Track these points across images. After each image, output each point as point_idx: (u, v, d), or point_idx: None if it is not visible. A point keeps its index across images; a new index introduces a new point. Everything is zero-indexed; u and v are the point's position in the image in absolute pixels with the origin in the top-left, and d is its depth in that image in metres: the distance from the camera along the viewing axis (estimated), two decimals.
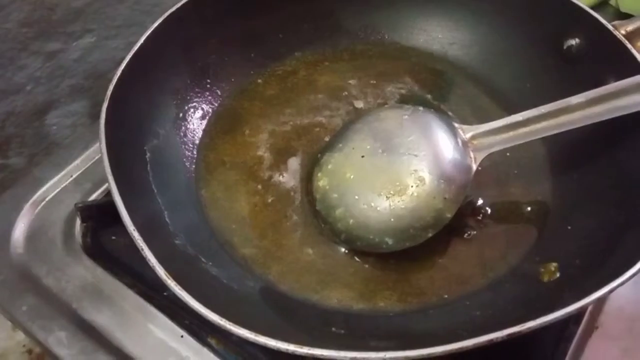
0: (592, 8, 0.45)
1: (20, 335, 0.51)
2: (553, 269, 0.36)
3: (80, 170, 0.49)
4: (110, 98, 0.39)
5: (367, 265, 0.39)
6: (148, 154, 0.41)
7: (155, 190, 0.39)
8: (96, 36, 0.59)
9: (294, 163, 0.45)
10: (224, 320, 0.29)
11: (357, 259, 0.40)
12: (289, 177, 0.44)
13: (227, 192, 0.43)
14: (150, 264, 0.31)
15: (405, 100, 0.49)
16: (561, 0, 0.45)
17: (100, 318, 0.40)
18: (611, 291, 0.29)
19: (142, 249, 0.31)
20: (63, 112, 0.61)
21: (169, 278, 0.30)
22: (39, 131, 0.60)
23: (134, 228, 0.32)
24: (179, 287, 0.30)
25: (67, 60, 0.58)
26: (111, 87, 0.39)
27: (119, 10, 0.59)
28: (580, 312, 0.39)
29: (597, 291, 0.29)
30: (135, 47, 0.42)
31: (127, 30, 0.61)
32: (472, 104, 0.49)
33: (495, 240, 0.40)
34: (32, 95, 0.56)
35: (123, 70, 0.40)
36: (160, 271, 0.30)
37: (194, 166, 0.44)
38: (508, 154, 0.44)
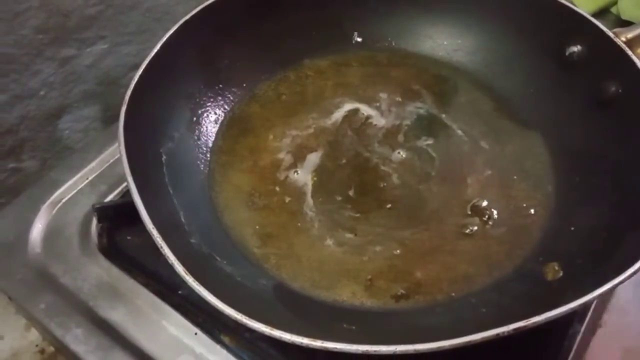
0: (594, 15, 0.46)
1: (33, 335, 0.52)
2: (557, 268, 0.37)
3: (96, 172, 0.50)
4: (128, 102, 0.40)
5: (376, 263, 0.40)
6: (164, 157, 0.42)
7: (171, 191, 0.40)
8: (109, 43, 0.59)
9: (304, 164, 0.46)
10: (240, 314, 0.30)
11: (365, 257, 0.41)
12: (300, 178, 0.45)
13: (240, 194, 0.44)
14: (169, 261, 0.32)
15: (412, 100, 0.50)
16: (563, 8, 0.46)
17: (116, 315, 0.41)
18: (613, 288, 0.30)
19: (162, 247, 0.32)
20: (76, 116, 0.61)
21: (187, 274, 0.31)
22: (52, 135, 0.61)
23: (152, 226, 0.33)
24: (197, 282, 0.31)
25: (80, 66, 0.58)
26: (129, 92, 0.40)
27: (131, 18, 0.60)
28: (584, 311, 0.40)
29: (599, 288, 0.30)
30: (152, 53, 0.43)
31: (139, 37, 0.62)
32: (477, 109, 0.50)
33: (500, 240, 0.41)
34: (46, 100, 0.57)
35: (140, 75, 0.42)
36: (179, 268, 0.31)
37: (207, 169, 0.46)
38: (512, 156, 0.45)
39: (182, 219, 0.39)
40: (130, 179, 0.35)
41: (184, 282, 0.31)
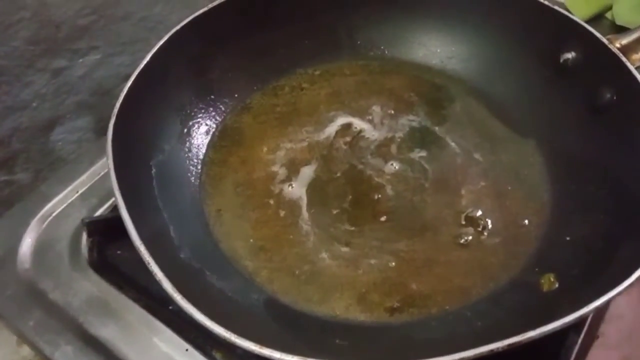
0: (588, 21, 0.45)
1: (25, 350, 0.51)
2: (552, 279, 0.37)
3: (86, 185, 0.50)
4: (117, 114, 0.39)
5: (370, 276, 0.40)
6: (154, 169, 0.42)
7: (161, 205, 0.40)
8: (101, 53, 0.59)
9: (298, 178, 0.46)
10: (229, 332, 0.29)
11: (359, 270, 0.40)
12: (294, 191, 0.45)
13: (231, 206, 0.44)
14: (157, 278, 0.31)
15: (405, 112, 0.50)
16: (557, 15, 0.46)
17: (106, 332, 0.40)
18: (609, 301, 0.30)
19: (149, 263, 0.32)
20: (68, 128, 0.61)
21: (175, 292, 0.30)
22: (45, 147, 0.60)
23: (140, 242, 0.32)
24: (185, 300, 0.30)
25: (72, 77, 0.58)
26: (118, 104, 0.40)
27: (123, 28, 0.60)
28: (580, 321, 0.39)
29: (595, 301, 0.30)
30: (141, 65, 0.43)
31: (132, 47, 0.62)
32: (471, 118, 0.49)
33: (495, 251, 0.41)
34: (38, 112, 0.57)
35: (129, 87, 0.41)
36: (167, 285, 0.31)
37: (198, 181, 0.45)
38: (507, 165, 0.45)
39: (172, 234, 0.38)
40: (118, 194, 0.35)
41: None
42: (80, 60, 0.58)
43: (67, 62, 0.57)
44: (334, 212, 0.43)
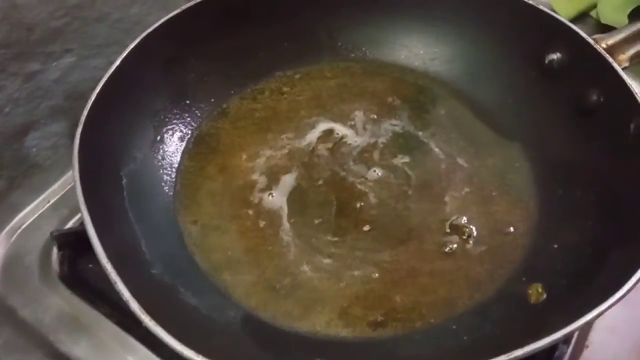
0: (573, 20, 0.45)
1: None
2: (540, 289, 0.36)
3: (58, 195, 0.48)
4: (84, 123, 0.38)
5: (353, 288, 0.39)
6: (124, 180, 0.40)
7: (132, 217, 0.38)
8: (76, 56, 0.57)
9: (279, 186, 0.44)
10: (200, 356, 0.27)
11: (342, 283, 0.39)
12: (275, 200, 0.43)
13: (207, 217, 0.42)
14: (124, 298, 0.30)
15: (388, 116, 0.49)
16: (542, 15, 0.45)
17: (78, 350, 0.39)
18: (598, 315, 0.29)
19: (116, 283, 0.30)
20: (43, 133, 0.59)
21: (143, 313, 0.29)
22: (19, 153, 0.58)
23: (107, 261, 0.31)
24: (153, 322, 0.29)
25: (46, 81, 0.56)
26: (85, 112, 0.38)
27: (99, 29, 0.58)
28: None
29: (585, 315, 0.29)
30: (112, 69, 0.41)
31: (107, 49, 0.60)
32: (455, 121, 0.48)
33: (481, 260, 0.40)
34: (11, 117, 0.54)
35: (98, 93, 0.40)
36: (134, 305, 0.29)
37: (172, 191, 0.43)
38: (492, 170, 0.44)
39: (144, 248, 0.37)
40: (83, 208, 0.33)
41: None
42: (54, 63, 0.56)
43: (41, 66, 0.55)
44: (316, 221, 0.42)
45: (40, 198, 0.48)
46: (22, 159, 0.59)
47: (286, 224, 0.42)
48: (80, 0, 0.54)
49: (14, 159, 0.58)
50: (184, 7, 0.46)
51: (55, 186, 0.49)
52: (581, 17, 0.62)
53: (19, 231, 0.46)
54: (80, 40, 0.56)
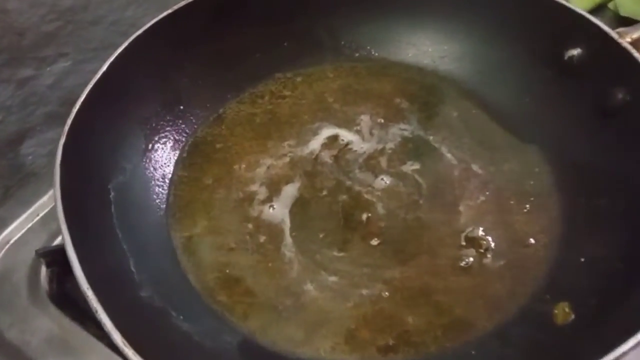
0: (590, 13, 0.42)
1: None
2: (567, 309, 0.33)
3: (47, 208, 0.47)
4: (67, 133, 0.36)
5: (361, 309, 0.36)
6: (112, 193, 0.38)
7: (120, 235, 0.36)
8: (71, 60, 0.56)
9: (280, 198, 0.42)
10: None
11: (349, 303, 0.36)
12: (276, 213, 0.41)
13: (203, 232, 0.40)
14: (106, 329, 0.27)
15: (395, 120, 0.46)
16: (560, 8, 0.42)
17: None
18: (639, 344, 0.26)
19: (96, 311, 0.28)
20: (39, 140, 0.59)
21: (126, 346, 0.26)
22: (14, 162, 0.58)
23: (87, 286, 0.28)
24: (137, 356, 0.26)
25: (40, 87, 0.55)
26: (69, 121, 0.36)
27: (94, 33, 0.57)
28: None
29: (623, 343, 0.26)
30: (98, 75, 0.39)
31: (103, 52, 0.59)
32: (467, 123, 0.46)
33: (501, 275, 0.37)
34: (5, 125, 0.53)
35: (83, 102, 0.38)
36: (117, 337, 0.27)
37: (165, 204, 0.41)
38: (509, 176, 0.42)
39: (132, 267, 0.35)
40: (64, 227, 0.31)
41: None
42: (48, 68, 0.56)
43: (34, 71, 0.54)
44: (320, 235, 0.40)
45: (30, 211, 0.47)
46: (17, 168, 0.59)
47: (288, 239, 0.40)
48: (73, 3, 0.54)
49: (9, 167, 0.58)
50: (175, 7, 0.44)
51: (45, 198, 0.48)
52: (598, 10, 0.60)
53: (7, 247, 0.45)
54: (75, 44, 0.55)
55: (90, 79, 0.57)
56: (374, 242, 0.39)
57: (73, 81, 0.58)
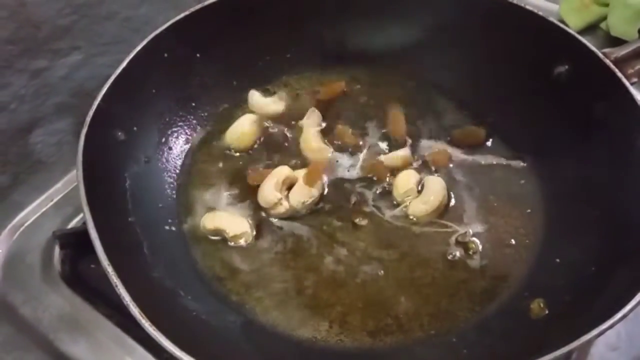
0: (582, 32, 0.43)
1: None
2: (542, 304, 0.35)
3: (62, 193, 0.48)
4: (89, 123, 0.37)
5: (354, 296, 0.38)
6: (128, 181, 0.40)
7: (135, 220, 0.38)
8: (83, 53, 0.57)
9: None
10: None
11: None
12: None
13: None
14: (124, 302, 0.30)
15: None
16: (550, 27, 0.44)
17: (77, 350, 0.39)
18: (600, 334, 0.28)
19: (116, 286, 0.30)
20: (48, 130, 0.59)
21: (143, 317, 0.29)
22: (24, 150, 0.58)
23: (108, 263, 0.31)
24: (153, 327, 0.28)
25: (53, 78, 0.56)
26: (91, 112, 0.38)
27: (107, 28, 0.58)
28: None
29: (586, 334, 0.29)
30: (119, 69, 0.41)
31: (115, 47, 0.60)
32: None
33: (484, 273, 0.39)
34: (17, 114, 0.54)
35: (105, 94, 0.39)
36: (134, 309, 0.29)
37: (176, 193, 0.43)
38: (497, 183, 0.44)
39: (145, 250, 0.37)
40: (86, 209, 0.33)
41: None
42: (61, 60, 0.56)
43: (48, 63, 0.55)
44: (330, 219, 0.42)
45: (44, 196, 0.48)
46: (26, 156, 0.59)
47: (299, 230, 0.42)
48: None
49: (18, 155, 0.58)
50: (192, 9, 0.45)
51: (59, 184, 0.49)
52: (591, 29, 0.61)
53: (22, 229, 0.46)
54: (88, 38, 0.56)
55: (101, 73, 0.59)
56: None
57: (84, 74, 0.58)
